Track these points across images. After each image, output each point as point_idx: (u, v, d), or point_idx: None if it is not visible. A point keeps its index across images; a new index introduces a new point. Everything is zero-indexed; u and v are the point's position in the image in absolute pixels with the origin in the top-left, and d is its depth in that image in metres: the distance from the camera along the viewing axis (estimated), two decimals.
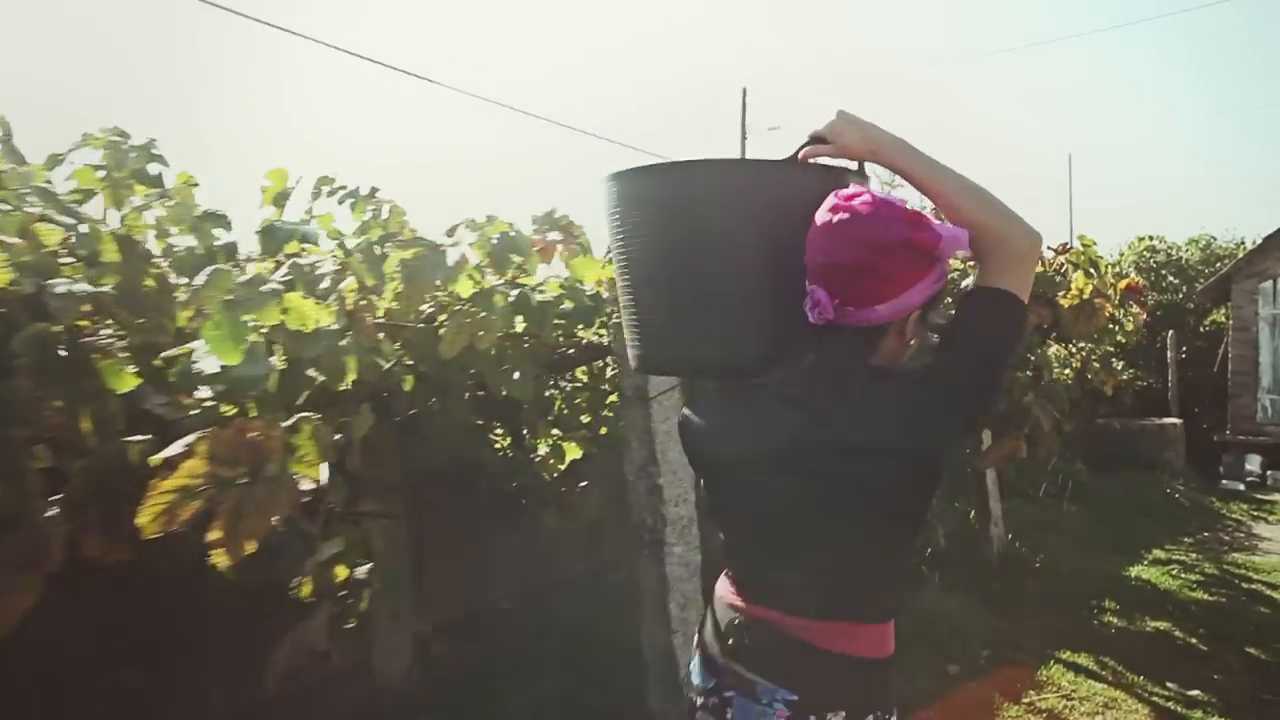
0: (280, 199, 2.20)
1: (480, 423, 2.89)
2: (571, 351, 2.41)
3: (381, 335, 1.92)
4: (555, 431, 3.06)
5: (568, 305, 2.19)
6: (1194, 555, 5.95)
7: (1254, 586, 5.19)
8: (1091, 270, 3.88)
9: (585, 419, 3.27)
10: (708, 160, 1.33)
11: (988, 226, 1.22)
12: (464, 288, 1.94)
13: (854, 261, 1.19)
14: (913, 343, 1.30)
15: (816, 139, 1.33)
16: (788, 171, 1.35)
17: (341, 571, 1.61)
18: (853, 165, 1.35)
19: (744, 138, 27.11)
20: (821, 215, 1.23)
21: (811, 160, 1.34)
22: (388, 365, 1.98)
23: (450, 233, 2.07)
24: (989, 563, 4.68)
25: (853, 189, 1.25)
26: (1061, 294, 3.78)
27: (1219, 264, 11.54)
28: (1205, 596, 4.94)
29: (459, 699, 3.11)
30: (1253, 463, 9.50)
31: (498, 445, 3.16)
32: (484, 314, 1.90)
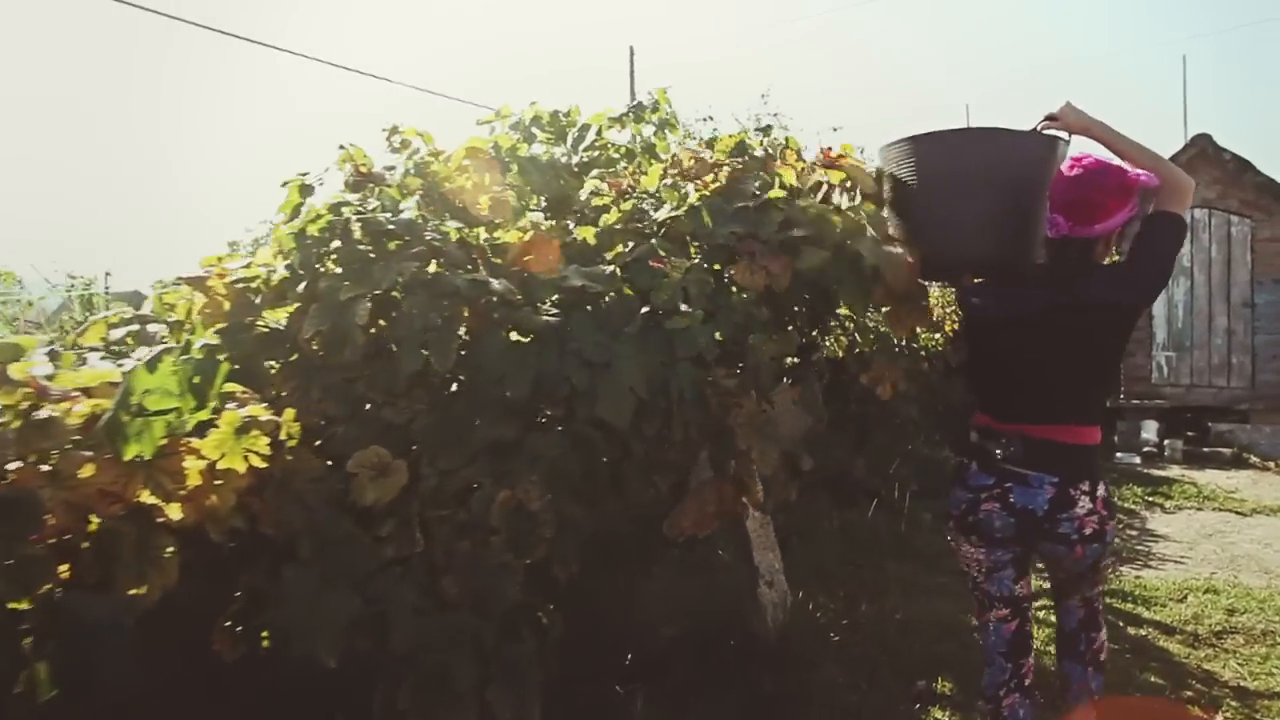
0: None
1: None
2: None
3: None
4: None
5: None
6: None
7: (1144, 632, 3.75)
8: (859, 198, 2.28)
9: None
10: (1008, 129, 2.03)
11: (1160, 173, 2.04)
12: None
13: (1084, 199, 2.04)
14: (1114, 248, 2.21)
15: (1050, 118, 2.11)
16: (1035, 139, 2.07)
17: None
18: (1065, 136, 2.09)
19: (633, 98, 25.39)
20: (1064, 170, 2.06)
21: (1044, 131, 2.10)
22: None
23: None
24: (761, 644, 3.11)
25: (1081, 154, 2.11)
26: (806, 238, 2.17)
27: None
28: None
29: None
30: (1149, 430, 8.29)
31: None
32: None
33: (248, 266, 2.12)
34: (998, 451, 2.10)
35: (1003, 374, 2.18)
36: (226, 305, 2.10)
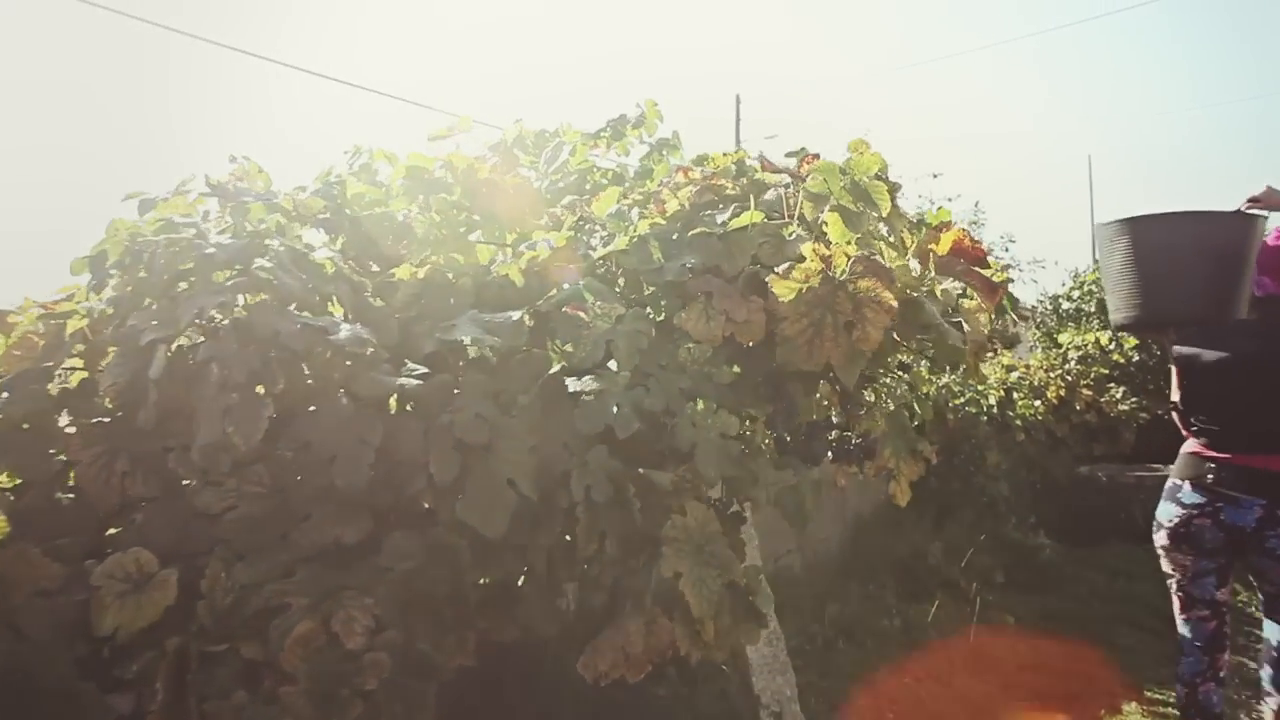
0: None
1: None
2: None
3: None
4: None
5: None
6: None
7: None
8: (857, 210, 1.69)
9: None
10: (1216, 211, 2.37)
11: None
12: None
13: None
14: None
15: (1253, 200, 2.40)
16: (1239, 217, 2.39)
17: None
18: (1265, 214, 2.40)
19: (738, 145, 24.97)
20: (1269, 241, 2.44)
21: (1248, 211, 2.40)
22: None
23: None
24: None
25: None
26: (782, 270, 1.59)
27: None
28: None
29: None
30: None
31: None
32: None
33: (69, 299, 1.70)
34: (1209, 476, 2.44)
35: (1216, 411, 2.51)
36: (42, 346, 1.69)
